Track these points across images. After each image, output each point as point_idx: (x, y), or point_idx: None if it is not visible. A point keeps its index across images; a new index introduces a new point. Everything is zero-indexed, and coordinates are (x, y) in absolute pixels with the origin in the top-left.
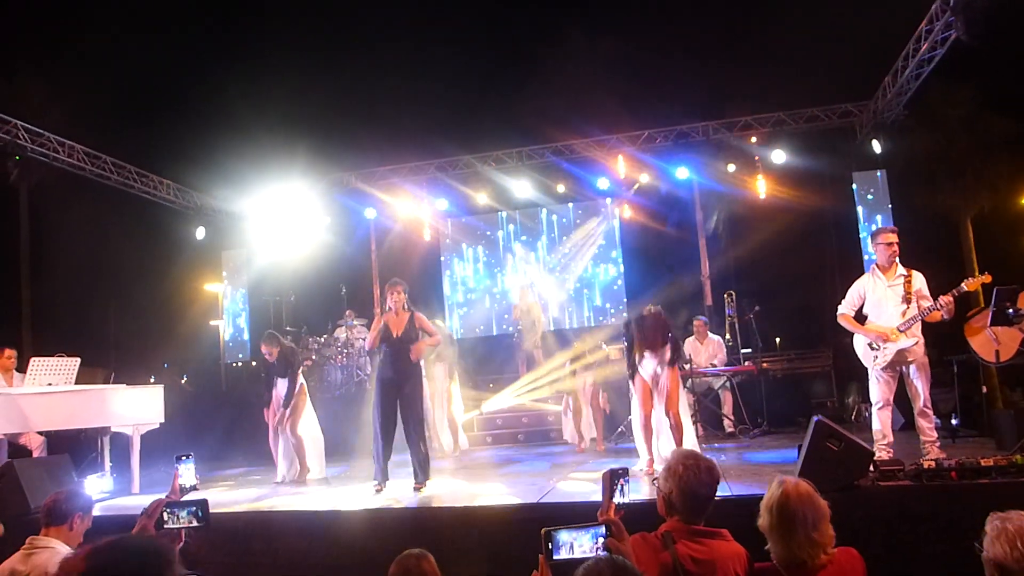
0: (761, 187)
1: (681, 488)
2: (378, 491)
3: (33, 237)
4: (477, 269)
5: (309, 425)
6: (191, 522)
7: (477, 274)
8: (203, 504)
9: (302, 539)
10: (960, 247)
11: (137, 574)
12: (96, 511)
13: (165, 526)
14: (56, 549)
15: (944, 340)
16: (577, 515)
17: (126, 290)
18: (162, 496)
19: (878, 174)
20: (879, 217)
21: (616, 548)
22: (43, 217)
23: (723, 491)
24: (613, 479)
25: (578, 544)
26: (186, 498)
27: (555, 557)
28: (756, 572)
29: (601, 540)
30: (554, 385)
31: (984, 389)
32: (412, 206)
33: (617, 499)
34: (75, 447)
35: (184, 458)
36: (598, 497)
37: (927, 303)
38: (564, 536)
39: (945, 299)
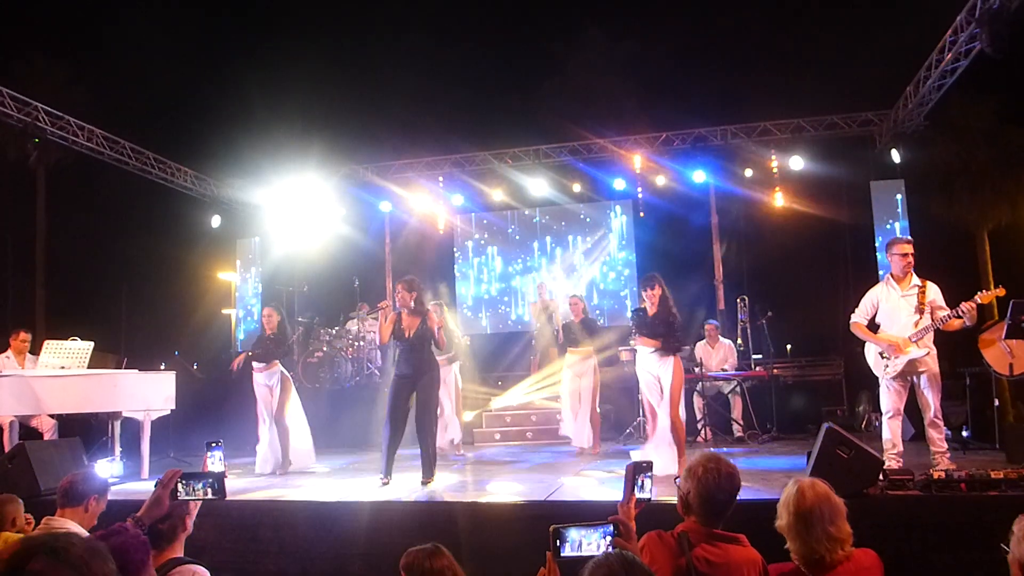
0: (778, 193)
1: (699, 491)
2: (384, 484)
3: (50, 220)
4: (491, 266)
5: (296, 414)
6: (206, 494)
7: (491, 271)
8: (219, 477)
9: (309, 529)
10: (976, 260)
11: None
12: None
13: (180, 497)
14: (71, 530)
15: (957, 352)
16: (584, 514)
17: (140, 275)
18: (178, 468)
19: (896, 184)
20: (896, 227)
21: (623, 548)
22: (60, 200)
23: None
24: (636, 473)
25: (586, 542)
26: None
27: (563, 554)
28: (776, 575)
29: (609, 539)
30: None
31: (996, 402)
32: (427, 201)
33: (639, 494)
34: (86, 431)
35: (214, 445)
36: (606, 496)
37: (943, 312)
38: (572, 534)
39: (967, 305)
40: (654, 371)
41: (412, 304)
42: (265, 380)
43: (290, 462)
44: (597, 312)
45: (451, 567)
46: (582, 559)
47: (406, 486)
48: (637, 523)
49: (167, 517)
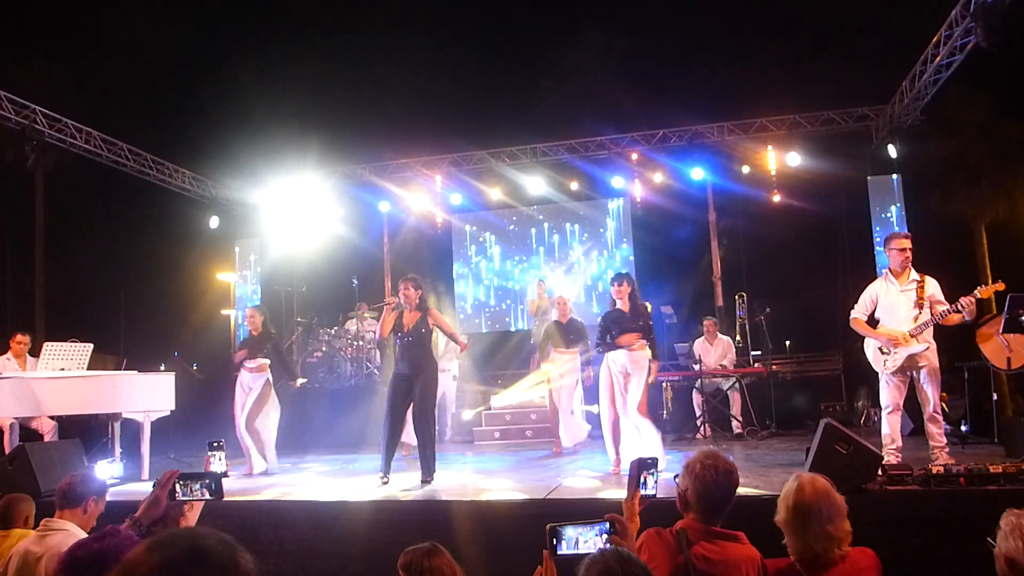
0: (775, 189)
1: (697, 487)
2: (383, 483)
3: (48, 222)
4: (490, 264)
5: (272, 416)
6: (204, 495)
7: (489, 269)
8: (217, 478)
9: (309, 529)
10: (974, 254)
11: (217, 562)
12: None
13: (177, 498)
14: (70, 531)
15: (955, 346)
16: (583, 511)
17: (139, 277)
18: (176, 468)
19: (893, 179)
20: (893, 221)
21: (620, 544)
22: (59, 202)
23: None
24: (640, 469)
25: (583, 540)
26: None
27: (559, 552)
28: (772, 571)
29: (605, 536)
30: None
31: (995, 396)
32: (425, 200)
33: (644, 491)
34: (86, 432)
35: (216, 445)
36: (605, 494)
37: (942, 307)
38: (569, 532)
39: (966, 300)
40: (626, 367)
41: (416, 301)
42: (249, 382)
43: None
44: (595, 312)
45: (449, 565)
46: (579, 557)
47: (405, 485)
48: (640, 519)
49: (161, 520)
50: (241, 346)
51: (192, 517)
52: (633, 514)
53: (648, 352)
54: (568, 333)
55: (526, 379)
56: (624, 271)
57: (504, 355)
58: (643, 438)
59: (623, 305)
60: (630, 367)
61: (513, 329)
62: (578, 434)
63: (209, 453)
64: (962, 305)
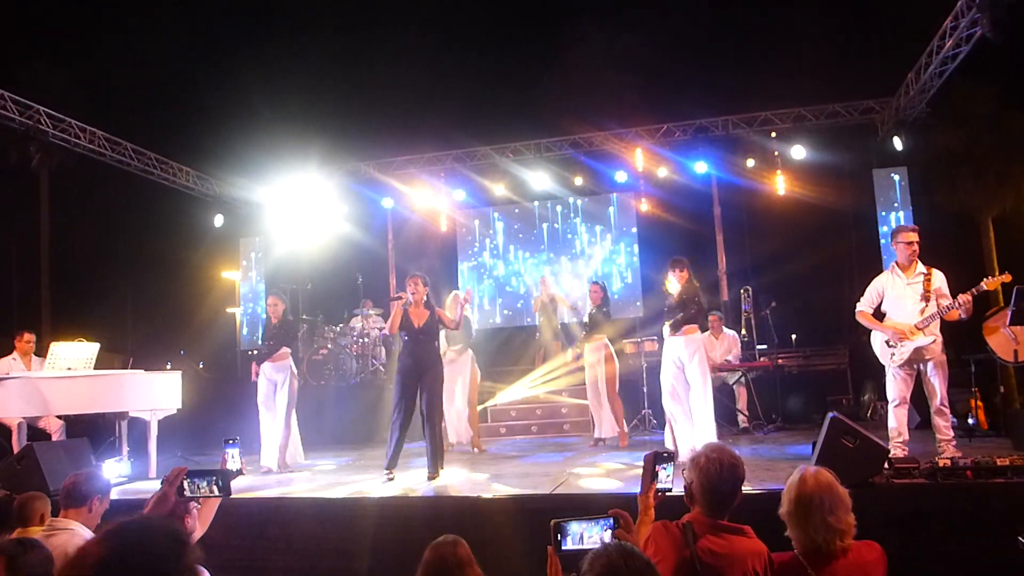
0: (780, 183)
1: (702, 481)
2: (390, 479)
3: (53, 222)
4: (493, 260)
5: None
6: (211, 492)
7: (493, 265)
8: (224, 475)
9: (316, 525)
10: (980, 246)
11: (156, 557)
12: (113, 494)
13: (185, 495)
14: (75, 531)
15: (962, 339)
16: (590, 506)
17: (144, 276)
18: (183, 465)
19: (898, 172)
20: (899, 215)
21: (624, 540)
22: (63, 202)
23: None
24: (656, 462)
25: (587, 535)
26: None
27: (564, 548)
28: (776, 564)
29: (609, 532)
30: (569, 377)
31: (1002, 389)
32: (429, 196)
33: (659, 484)
34: (93, 431)
35: (231, 442)
36: (613, 489)
37: (946, 301)
38: (573, 527)
39: (963, 297)
40: (677, 355)
41: (425, 298)
42: (272, 373)
43: (286, 463)
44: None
45: (471, 558)
46: (583, 552)
47: (412, 481)
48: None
49: (169, 516)
50: (263, 341)
51: (207, 513)
52: (648, 507)
53: (696, 335)
54: (594, 322)
55: (535, 373)
56: (681, 257)
57: (509, 351)
58: (694, 428)
59: (676, 293)
60: (678, 353)
61: (518, 325)
62: (614, 426)
63: (225, 450)
64: (959, 303)
